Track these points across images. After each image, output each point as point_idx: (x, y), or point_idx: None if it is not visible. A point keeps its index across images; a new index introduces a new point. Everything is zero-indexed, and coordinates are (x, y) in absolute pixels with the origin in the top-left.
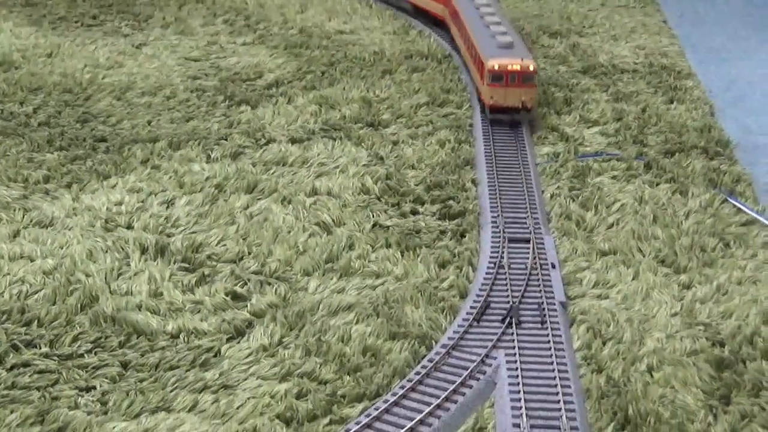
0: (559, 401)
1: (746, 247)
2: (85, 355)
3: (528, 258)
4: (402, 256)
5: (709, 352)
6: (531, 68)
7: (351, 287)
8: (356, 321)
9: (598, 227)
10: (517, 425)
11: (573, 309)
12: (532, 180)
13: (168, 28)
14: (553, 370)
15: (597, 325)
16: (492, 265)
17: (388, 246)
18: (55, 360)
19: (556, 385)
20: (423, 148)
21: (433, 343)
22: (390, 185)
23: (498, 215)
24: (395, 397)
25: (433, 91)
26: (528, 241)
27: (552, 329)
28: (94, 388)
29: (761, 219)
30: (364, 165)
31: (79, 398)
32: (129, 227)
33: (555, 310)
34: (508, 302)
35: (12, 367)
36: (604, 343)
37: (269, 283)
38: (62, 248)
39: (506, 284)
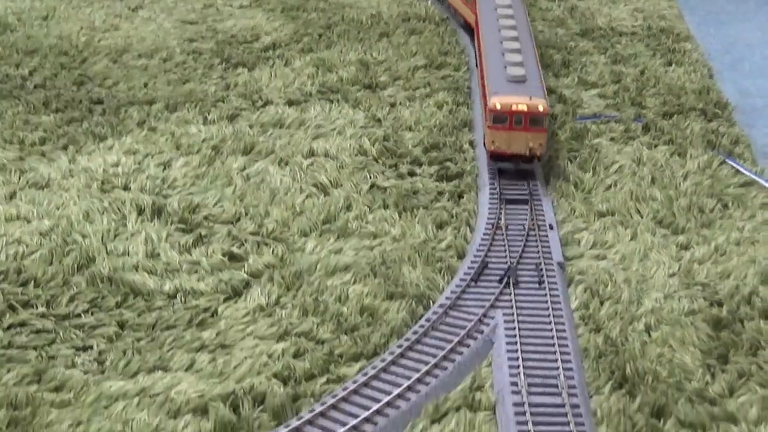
0: (556, 360)
1: (744, 208)
2: (82, 315)
3: (526, 219)
4: (399, 217)
5: (707, 312)
6: (540, 109)
7: (348, 248)
8: (353, 281)
9: (596, 188)
10: (515, 383)
11: (571, 269)
12: None
13: None
14: (551, 330)
15: (595, 285)
16: (490, 225)
17: (386, 207)
18: (51, 320)
19: (553, 345)
20: (420, 110)
21: (431, 303)
22: (387, 147)
23: (495, 176)
24: (392, 357)
25: (431, 54)
26: (526, 202)
27: (550, 289)
28: (91, 347)
29: (759, 180)
30: (361, 127)
31: (76, 357)
32: (126, 188)
33: (553, 270)
34: (506, 263)
35: (9, 327)
36: (601, 303)
37: (266, 244)
38: (59, 209)
39: (504, 245)
